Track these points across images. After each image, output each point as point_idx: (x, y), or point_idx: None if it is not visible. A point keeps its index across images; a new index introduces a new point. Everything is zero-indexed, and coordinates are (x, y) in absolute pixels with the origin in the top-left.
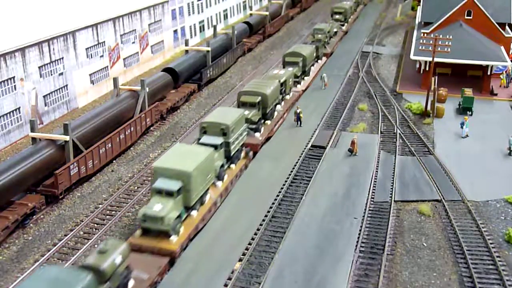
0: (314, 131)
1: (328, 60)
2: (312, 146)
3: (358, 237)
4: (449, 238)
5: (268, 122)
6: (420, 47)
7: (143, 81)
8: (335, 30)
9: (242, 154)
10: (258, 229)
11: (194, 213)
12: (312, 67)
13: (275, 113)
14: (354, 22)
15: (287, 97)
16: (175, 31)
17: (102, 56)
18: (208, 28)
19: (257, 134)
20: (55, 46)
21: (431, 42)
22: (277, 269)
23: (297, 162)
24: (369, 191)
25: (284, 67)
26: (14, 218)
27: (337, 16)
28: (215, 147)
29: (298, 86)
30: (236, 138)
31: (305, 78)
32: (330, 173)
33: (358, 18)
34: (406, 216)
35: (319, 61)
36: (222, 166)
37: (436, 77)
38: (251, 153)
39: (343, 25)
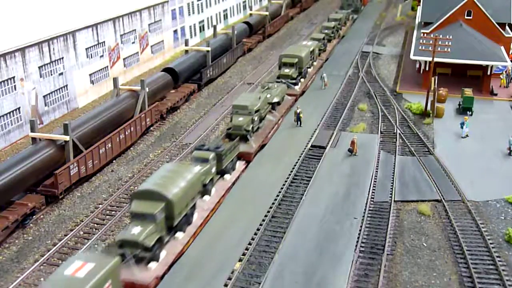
0: (314, 131)
1: (328, 60)
2: (312, 146)
3: (358, 237)
4: (449, 238)
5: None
6: (420, 47)
7: (143, 81)
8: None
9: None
10: (258, 229)
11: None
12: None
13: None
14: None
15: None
16: (175, 31)
17: (102, 56)
18: (208, 28)
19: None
20: (55, 46)
21: (431, 42)
22: (277, 269)
23: (297, 162)
24: (369, 191)
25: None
26: (14, 218)
27: (286, 70)
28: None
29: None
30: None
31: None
32: (330, 173)
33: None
34: (406, 216)
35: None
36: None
37: (436, 77)
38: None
39: (295, 83)
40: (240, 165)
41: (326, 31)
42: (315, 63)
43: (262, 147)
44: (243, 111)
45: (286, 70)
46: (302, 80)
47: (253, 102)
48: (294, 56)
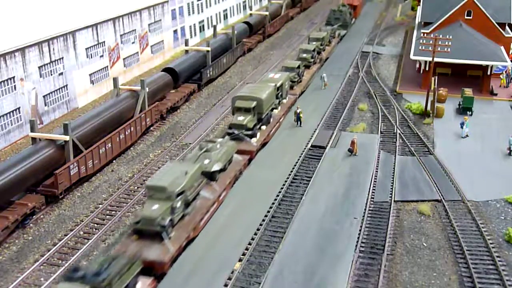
0: (314, 131)
1: (328, 60)
2: (312, 146)
3: (358, 237)
4: (449, 238)
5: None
6: (420, 47)
7: (143, 81)
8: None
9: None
10: (258, 229)
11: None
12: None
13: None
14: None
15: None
16: (175, 31)
17: (102, 56)
18: (208, 28)
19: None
20: (55, 46)
21: (431, 42)
22: (277, 269)
23: (297, 162)
24: (369, 191)
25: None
26: (14, 218)
27: (239, 118)
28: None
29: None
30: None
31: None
32: (330, 173)
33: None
34: (406, 216)
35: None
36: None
37: (436, 77)
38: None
39: (252, 135)
40: None
41: (304, 55)
42: (284, 101)
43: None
44: (160, 194)
45: (240, 118)
46: (263, 127)
47: (176, 180)
48: (251, 99)
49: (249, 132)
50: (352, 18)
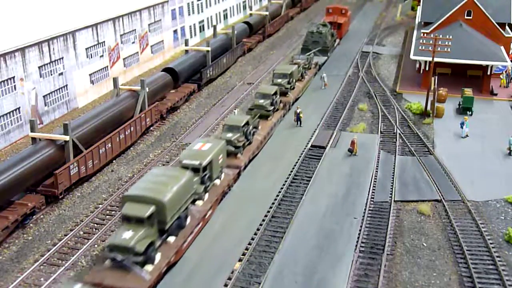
0: (314, 131)
1: (328, 60)
2: (312, 146)
3: (358, 237)
4: (449, 238)
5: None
6: (420, 47)
7: (143, 81)
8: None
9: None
10: (258, 229)
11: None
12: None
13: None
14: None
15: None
16: (175, 31)
17: (102, 56)
18: (208, 28)
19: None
20: (55, 46)
21: (431, 42)
22: (277, 269)
23: (297, 162)
24: (369, 191)
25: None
26: (14, 218)
27: (125, 235)
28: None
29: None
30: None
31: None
32: (330, 173)
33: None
34: (406, 216)
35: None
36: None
37: (436, 77)
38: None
39: (146, 262)
40: None
41: (261, 101)
42: (218, 181)
43: None
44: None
45: (125, 236)
46: (170, 240)
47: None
48: (145, 203)
49: (139, 259)
50: (336, 39)
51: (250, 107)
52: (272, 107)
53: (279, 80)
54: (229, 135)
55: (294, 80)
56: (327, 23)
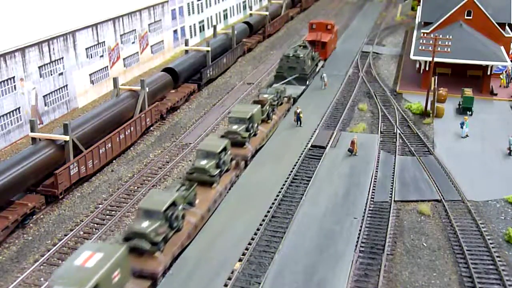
0: (314, 131)
1: (328, 60)
2: (312, 146)
3: (358, 237)
4: (449, 238)
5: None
6: (420, 47)
7: (143, 81)
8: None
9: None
10: (258, 229)
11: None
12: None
13: None
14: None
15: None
16: (175, 31)
17: (102, 56)
18: (208, 28)
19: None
20: (55, 46)
21: (431, 42)
22: (277, 269)
23: (297, 162)
24: (369, 191)
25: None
26: (14, 218)
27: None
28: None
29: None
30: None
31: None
32: (330, 173)
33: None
34: (406, 216)
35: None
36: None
37: (436, 77)
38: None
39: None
40: None
41: (203, 162)
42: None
43: None
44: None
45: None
46: None
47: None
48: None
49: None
50: (319, 61)
51: (189, 170)
52: (218, 170)
53: (235, 127)
54: (145, 224)
55: (255, 125)
56: (307, 44)
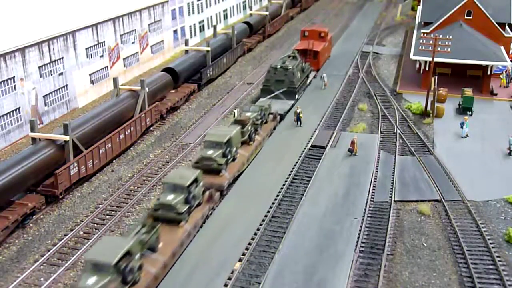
0: (314, 131)
1: (327, 60)
2: (312, 146)
3: (358, 237)
4: (449, 238)
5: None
6: (420, 47)
7: (143, 81)
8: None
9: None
10: (258, 229)
11: None
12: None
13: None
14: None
15: None
16: (175, 31)
17: (102, 56)
18: (208, 28)
19: None
20: (55, 46)
21: (431, 42)
22: (277, 269)
23: (297, 162)
24: (369, 191)
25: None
26: (14, 218)
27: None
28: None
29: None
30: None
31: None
32: (330, 173)
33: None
34: (406, 216)
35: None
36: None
37: (436, 77)
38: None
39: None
40: None
41: (169, 197)
42: None
43: None
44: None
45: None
46: None
47: None
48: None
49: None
50: (310, 73)
51: (154, 206)
52: (187, 206)
53: (210, 152)
54: (92, 280)
55: (234, 149)
56: (297, 55)
